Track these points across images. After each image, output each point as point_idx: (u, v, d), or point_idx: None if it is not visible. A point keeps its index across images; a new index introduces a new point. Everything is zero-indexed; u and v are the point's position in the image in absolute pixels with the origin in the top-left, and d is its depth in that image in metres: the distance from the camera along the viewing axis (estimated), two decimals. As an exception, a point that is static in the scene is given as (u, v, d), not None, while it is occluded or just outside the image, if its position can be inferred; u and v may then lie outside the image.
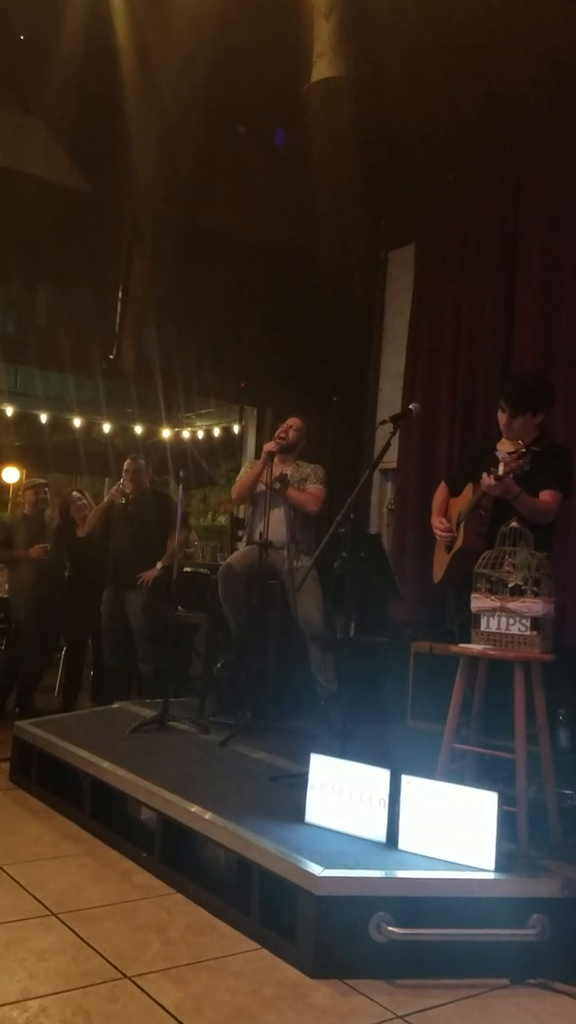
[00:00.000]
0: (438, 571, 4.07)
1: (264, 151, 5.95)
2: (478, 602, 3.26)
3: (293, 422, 5.01)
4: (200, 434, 10.16)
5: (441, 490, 4.11)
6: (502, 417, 3.77)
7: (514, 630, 3.17)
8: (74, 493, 6.40)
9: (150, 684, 5.65)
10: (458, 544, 3.78)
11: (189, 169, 5.79)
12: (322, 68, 4.19)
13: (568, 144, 5.38)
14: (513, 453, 3.27)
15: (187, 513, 5.69)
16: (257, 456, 5.80)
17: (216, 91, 5.05)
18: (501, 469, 3.29)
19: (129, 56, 4.84)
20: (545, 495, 3.51)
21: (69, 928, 2.88)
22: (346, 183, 5.54)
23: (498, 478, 3.32)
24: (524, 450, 3.23)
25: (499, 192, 5.91)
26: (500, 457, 3.31)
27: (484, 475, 3.40)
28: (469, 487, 3.78)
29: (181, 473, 5.29)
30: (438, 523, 3.95)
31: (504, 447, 3.80)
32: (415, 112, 4.98)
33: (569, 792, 3.56)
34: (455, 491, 4.01)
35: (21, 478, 10.98)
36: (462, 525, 3.78)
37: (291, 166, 5.69)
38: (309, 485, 4.94)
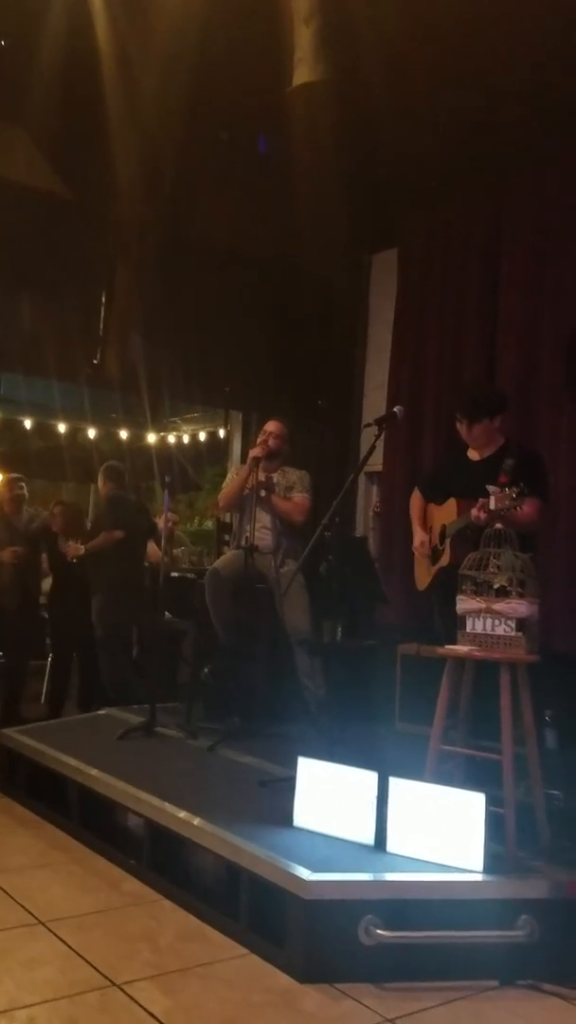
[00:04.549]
0: (421, 581, 4.11)
1: (247, 157, 5.95)
2: (464, 604, 3.27)
3: (274, 428, 4.97)
4: (186, 439, 10.15)
5: (416, 497, 4.19)
6: (462, 428, 3.92)
7: (499, 631, 3.17)
8: (55, 510, 6.36)
9: (106, 693, 5.75)
10: (445, 561, 3.82)
11: (171, 175, 5.79)
12: (302, 73, 4.20)
13: (550, 151, 5.41)
14: (507, 491, 3.30)
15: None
16: (243, 461, 5.81)
17: (197, 97, 5.05)
18: (493, 504, 3.33)
19: (110, 63, 4.83)
20: (526, 507, 3.55)
21: (57, 937, 2.87)
22: (328, 187, 5.54)
23: (488, 511, 3.37)
24: (517, 492, 3.27)
25: (482, 197, 5.93)
26: (491, 491, 3.35)
27: (475, 509, 3.46)
28: (453, 501, 3.82)
29: (167, 478, 5.31)
30: (421, 536, 4.02)
31: (472, 455, 3.88)
32: (397, 118, 4.99)
33: (557, 793, 3.57)
34: (432, 498, 4.07)
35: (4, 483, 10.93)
36: (448, 542, 3.81)
37: (274, 171, 5.70)
38: (295, 494, 4.92)
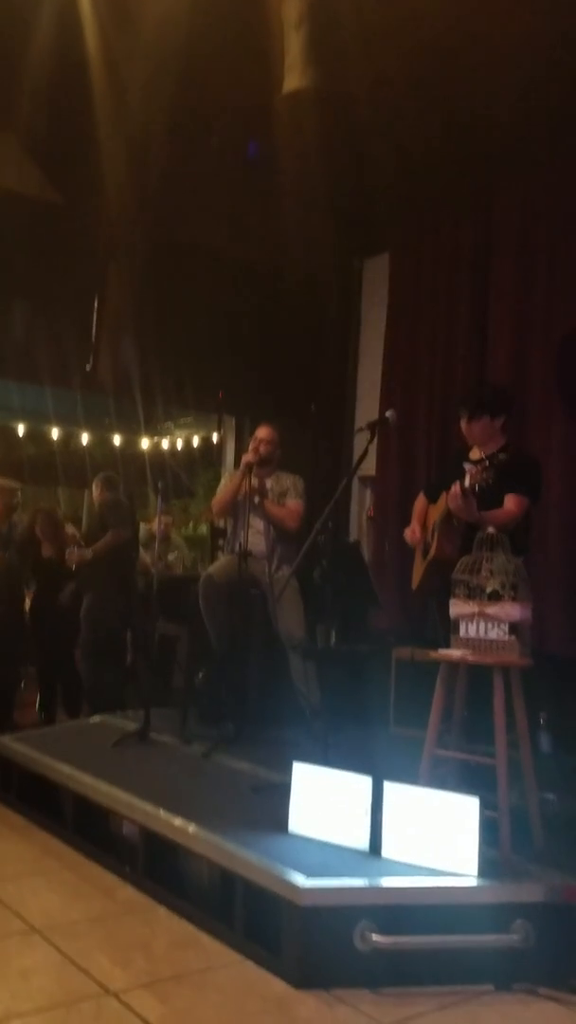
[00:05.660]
0: (415, 578, 4.11)
1: (237, 162, 5.95)
2: (456, 608, 3.28)
3: (265, 434, 4.96)
4: (179, 444, 10.14)
5: (420, 500, 4.20)
6: (462, 424, 3.91)
7: (492, 635, 3.18)
8: (37, 517, 6.32)
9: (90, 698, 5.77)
10: (432, 553, 3.82)
11: (161, 181, 5.79)
12: (293, 80, 4.20)
13: (537, 157, 5.43)
14: (478, 464, 3.31)
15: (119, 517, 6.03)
16: (236, 466, 5.81)
17: (187, 103, 5.05)
18: (467, 481, 3.34)
19: (99, 68, 4.82)
20: (507, 500, 3.55)
21: (52, 945, 2.86)
22: (319, 193, 5.55)
23: (463, 490, 3.37)
24: (487, 462, 3.27)
25: (471, 203, 5.94)
26: (467, 469, 3.36)
27: (452, 488, 3.45)
28: (444, 495, 3.82)
29: (160, 483, 5.33)
30: (413, 527, 4.04)
31: (474, 455, 3.88)
32: (386, 125, 4.98)
33: (551, 796, 3.57)
34: (433, 499, 4.07)
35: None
36: (435, 534, 3.82)
37: (264, 177, 5.70)
38: (288, 500, 4.93)
